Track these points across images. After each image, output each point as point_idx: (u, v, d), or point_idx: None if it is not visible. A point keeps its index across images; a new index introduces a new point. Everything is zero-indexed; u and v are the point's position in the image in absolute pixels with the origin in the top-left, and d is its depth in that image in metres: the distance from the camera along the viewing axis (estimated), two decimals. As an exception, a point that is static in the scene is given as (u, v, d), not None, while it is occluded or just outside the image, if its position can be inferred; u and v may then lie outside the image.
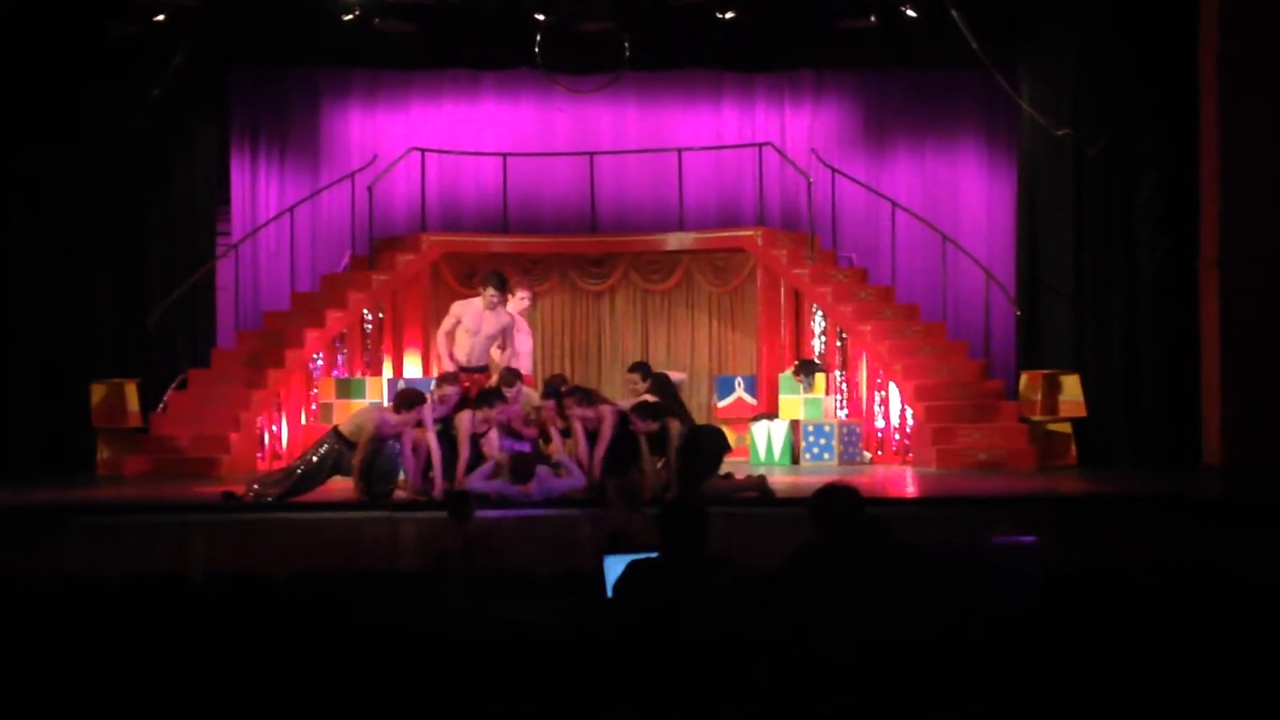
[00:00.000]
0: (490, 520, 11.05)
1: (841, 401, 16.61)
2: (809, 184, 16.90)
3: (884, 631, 5.01)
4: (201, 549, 10.73)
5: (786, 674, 4.78)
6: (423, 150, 17.49)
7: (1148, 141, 15.48)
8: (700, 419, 14.67)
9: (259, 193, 17.82)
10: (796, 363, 16.48)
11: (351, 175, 17.21)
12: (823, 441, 15.74)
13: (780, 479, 13.42)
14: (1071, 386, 15.39)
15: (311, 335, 16.17)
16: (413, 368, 16.86)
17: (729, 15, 16.04)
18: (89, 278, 16.08)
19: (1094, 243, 15.82)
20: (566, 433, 12.46)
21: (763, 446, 15.92)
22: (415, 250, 16.90)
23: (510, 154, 17.76)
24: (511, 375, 12.91)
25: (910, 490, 13.38)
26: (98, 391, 15.41)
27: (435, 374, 14.78)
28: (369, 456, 12.13)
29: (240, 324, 16.96)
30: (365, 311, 16.77)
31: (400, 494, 12.33)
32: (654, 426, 12.21)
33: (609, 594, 5.58)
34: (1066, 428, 15.39)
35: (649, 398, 12.77)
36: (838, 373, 16.71)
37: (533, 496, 11.95)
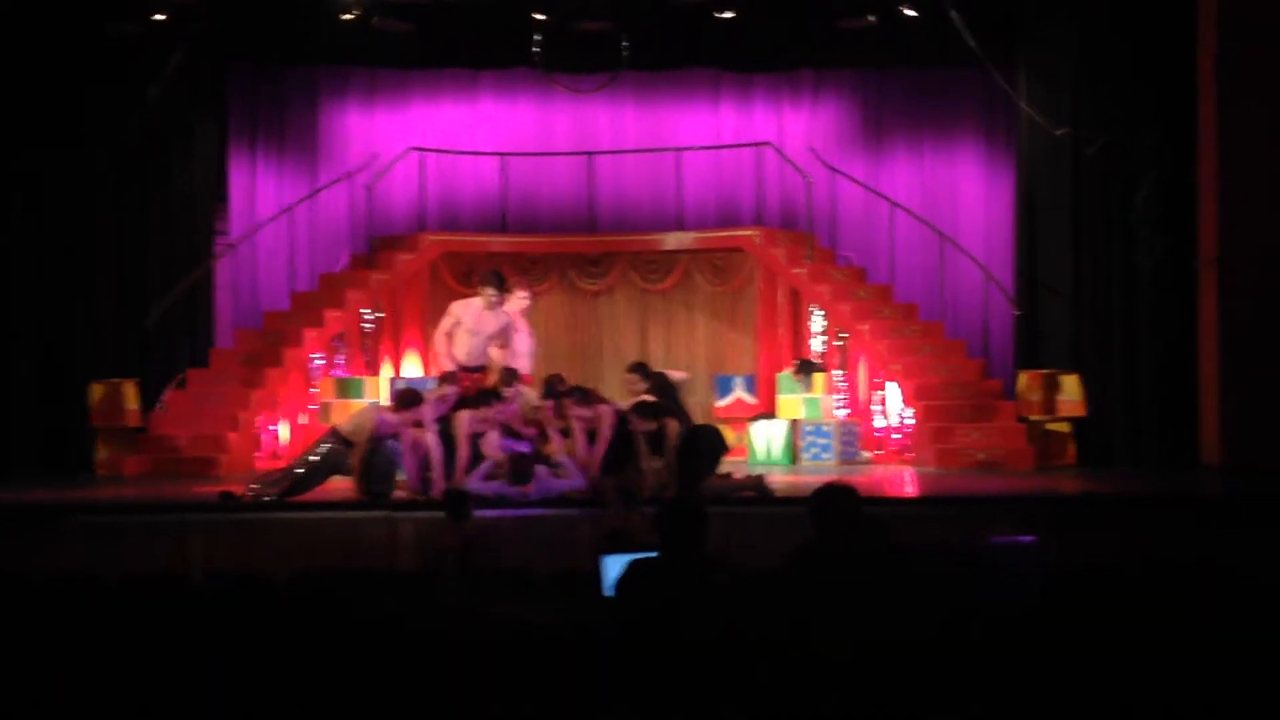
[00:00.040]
0: (489, 520, 11.05)
1: (840, 401, 16.61)
2: (808, 184, 16.90)
3: (883, 631, 5.01)
4: (200, 549, 10.74)
5: (785, 673, 4.78)
6: (421, 150, 17.48)
7: (1146, 141, 15.47)
8: (699, 418, 14.67)
9: (258, 192, 17.81)
10: (795, 362, 16.48)
11: (350, 175, 17.22)
12: (821, 441, 15.74)
13: (779, 478, 13.41)
14: (1070, 386, 15.39)
15: (310, 335, 16.17)
16: (411, 367, 16.86)
17: (728, 15, 16.03)
18: (89, 278, 16.07)
19: (1093, 242, 15.82)
20: (565, 432, 12.46)
21: (761, 446, 15.93)
22: (414, 250, 16.90)
23: (509, 154, 17.76)
24: (510, 375, 12.91)
25: (909, 490, 13.38)
26: (97, 391, 15.40)
27: (434, 374, 14.77)
28: (368, 456, 12.12)
29: (239, 323, 16.96)
30: (364, 311, 16.77)
31: (399, 494, 12.32)
32: (652, 426, 12.21)
33: (607, 593, 5.59)
34: (1065, 427, 15.38)
35: (647, 398, 12.77)
36: (836, 372, 16.70)
37: (531, 497, 11.95)
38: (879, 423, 16.45)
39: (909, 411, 15.92)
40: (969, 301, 17.00)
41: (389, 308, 17.00)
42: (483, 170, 17.91)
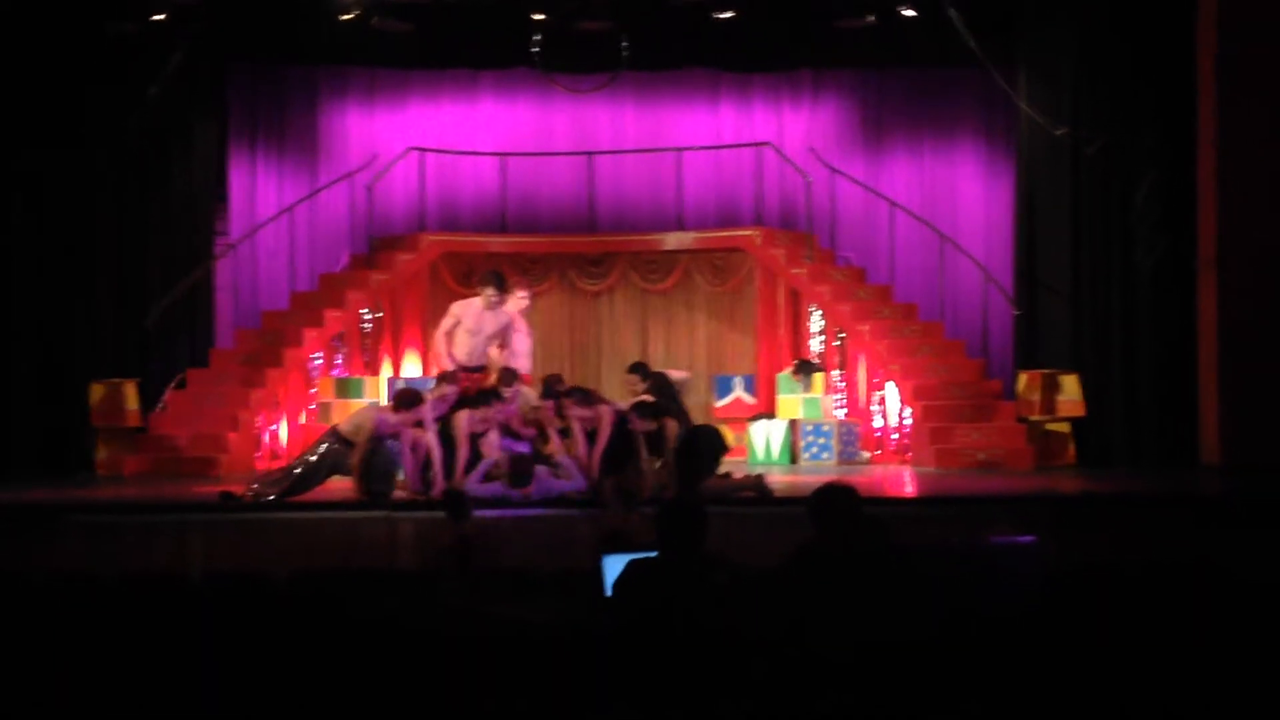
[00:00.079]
0: (488, 520, 11.05)
1: (840, 401, 16.61)
2: (807, 184, 16.90)
3: (883, 631, 5.01)
4: (200, 548, 10.73)
5: (785, 673, 4.79)
6: (421, 150, 17.49)
7: (1146, 141, 15.48)
8: (699, 418, 14.66)
9: (258, 192, 17.81)
10: (795, 362, 16.48)
11: (350, 175, 17.22)
12: (821, 441, 15.75)
13: (778, 478, 13.40)
14: (1070, 386, 15.39)
15: (310, 335, 16.17)
16: (411, 367, 16.86)
17: (727, 15, 16.03)
18: (89, 278, 16.07)
19: (1092, 242, 15.82)
20: (565, 433, 12.46)
21: (761, 446, 15.93)
22: (414, 250, 16.90)
23: (509, 154, 17.76)
24: (509, 375, 12.91)
25: (909, 490, 13.38)
26: (97, 391, 15.41)
27: (434, 373, 14.77)
28: (367, 456, 12.11)
29: (239, 323, 16.97)
30: (364, 311, 16.77)
31: (399, 493, 12.32)
32: (651, 426, 12.20)
33: (608, 593, 5.59)
34: (1065, 427, 15.38)
35: (647, 398, 12.77)
36: (836, 372, 16.71)
37: (531, 498, 11.95)
38: (878, 423, 16.45)
39: (908, 411, 15.92)
40: (969, 301, 17.00)
41: (389, 308, 17.00)
42: (482, 170, 17.91)
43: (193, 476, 14.35)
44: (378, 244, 17.03)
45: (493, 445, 12.33)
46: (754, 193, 17.42)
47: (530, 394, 13.17)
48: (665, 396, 12.97)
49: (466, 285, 16.53)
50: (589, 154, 17.65)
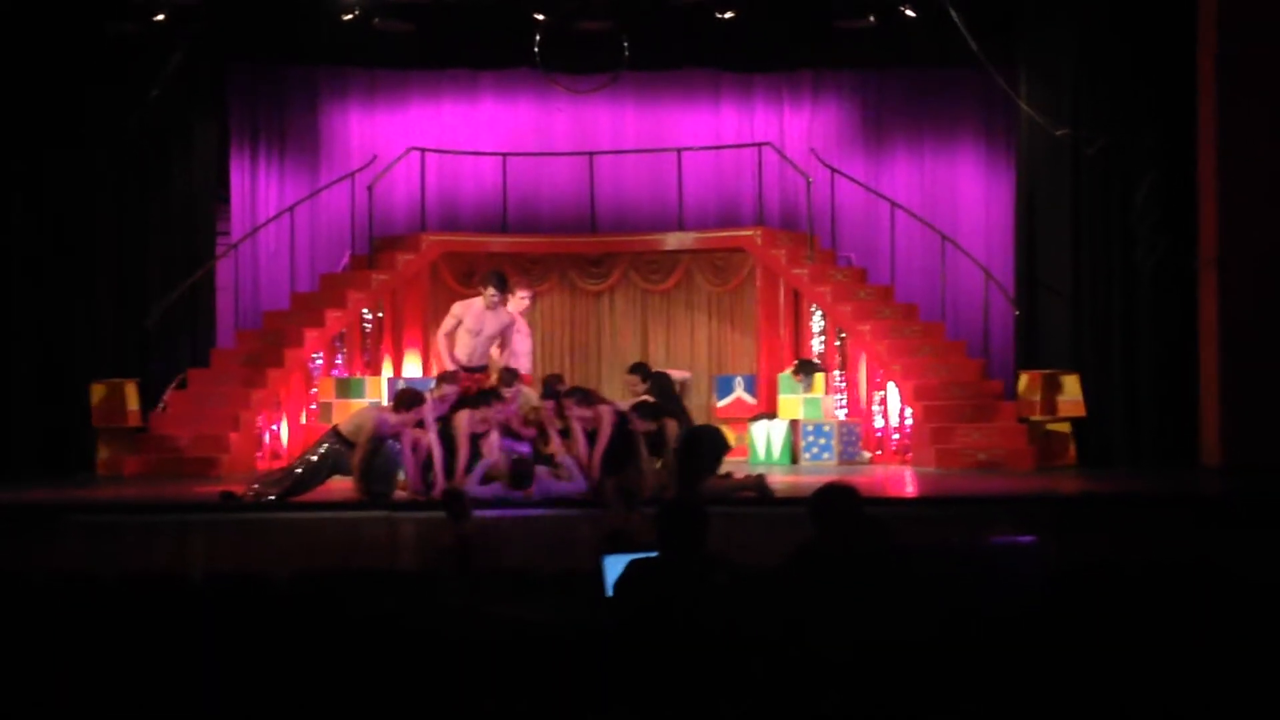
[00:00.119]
0: (488, 520, 11.05)
1: (840, 401, 16.61)
2: (808, 184, 16.90)
3: (883, 631, 5.01)
4: (201, 548, 10.73)
5: (785, 673, 4.78)
6: (422, 150, 17.49)
7: (1146, 141, 15.47)
8: (699, 419, 14.67)
9: (258, 192, 17.83)
10: (796, 362, 16.48)
11: (351, 175, 17.22)
12: (822, 441, 15.75)
13: (779, 479, 13.41)
14: (1070, 386, 15.39)
15: (311, 335, 16.17)
16: (412, 367, 16.86)
17: (728, 15, 16.02)
18: (89, 278, 16.07)
19: (1092, 242, 15.82)
20: (565, 433, 12.46)
21: (762, 446, 15.93)
22: (414, 250, 16.90)
23: (509, 154, 17.77)
24: (510, 375, 12.91)
25: (909, 490, 13.38)
26: (97, 391, 15.41)
27: (434, 373, 14.77)
28: (368, 456, 12.12)
29: (240, 323, 16.97)
30: (365, 311, 16.77)
31: (400, 494, 12.32)
32: (651, 426, 12.20)
33: (608, 593, 5.59)
34: (1065, 427, 15.38)
35: (648, 398, 12.78)
36: (837, 372, 16.71)
37: (532, 499, 11.95)
38: (879, 423, 16.45)
39: (909, 411, 15.92)
40: (969, 302, 17.00)
41: (389, 308, 17.00)
42: (483, 170, 17.92)
43: (193, 476, 14.35)
44: (378, 244, 17.03)
45: (493, 446, 12.33)
46: (755, 193, 17.42)
47: (531, 394, 13.18)
48: (666, 397, 12.98)
49: (467, 285, 16.53)
50: (590, 154, 17.66)
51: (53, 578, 6.16)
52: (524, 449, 12.54)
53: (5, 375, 15.68)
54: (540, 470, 12.16)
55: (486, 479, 12.12)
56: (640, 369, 13.51)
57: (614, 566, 5.58)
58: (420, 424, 12.20)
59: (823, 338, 16.93)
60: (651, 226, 17.61)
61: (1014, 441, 15.10)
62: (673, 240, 17.32)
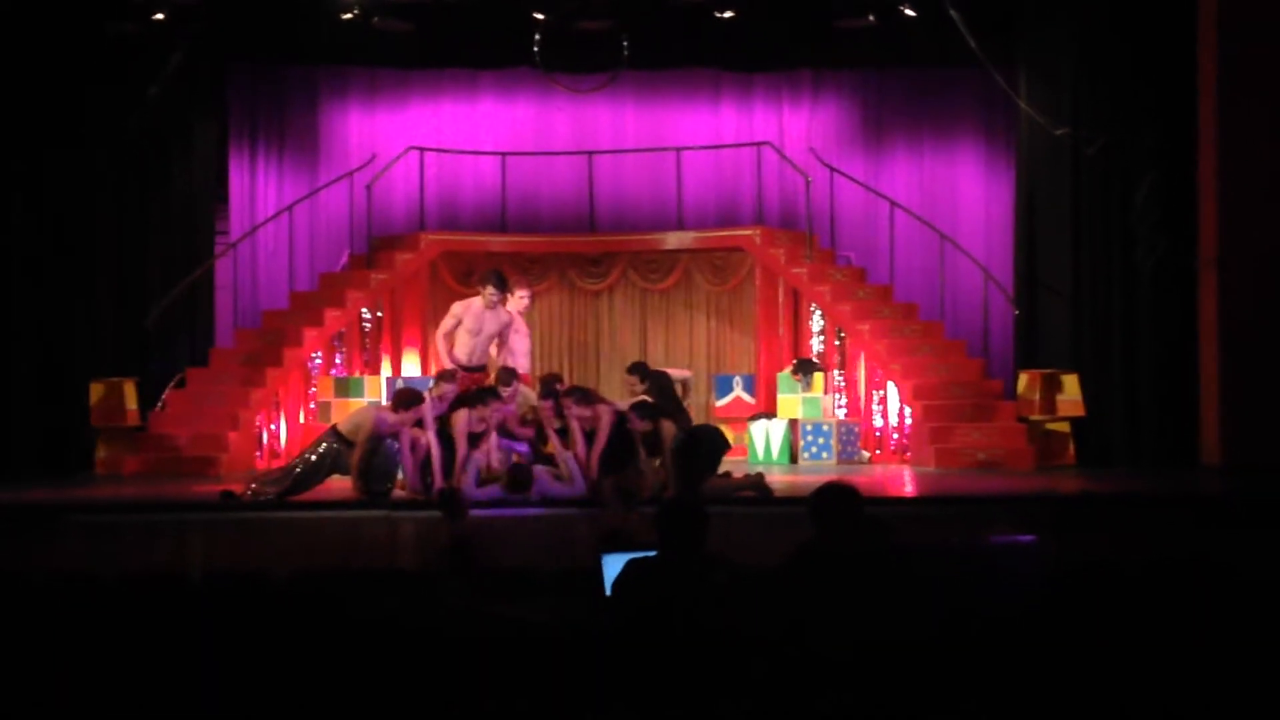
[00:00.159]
0: (486, 519, 11.05)
1: (840, 401, 16.61)
2: (807, 183, 16.90)
3: (883, 631, 5.01)
4: (200, 548, 10.73)
5: (785, 673, 4.78)
6: (421, 149, 17.49)
7: (1146, 141, 15.47)
8: (699, 418, 14.67)
9: (258, 192, 17.83)
10: (795, 362, 16.48)
11: (350, 174, 17.22)
12: (821, 441, 15.75)
13: (778, 478, 13.41)
14: (1070, 386, 15.39)
15: (310, 334, 16.17)
16: (411, 367, 16.86)
17: (728, 15, 16.03)
18: (89, 278, 16.07)
19: (1092, 242, 15.82)
20: (563, 432, 12.45)
21: (761, 445, 15.93)
22: (414, 249, 16.90)
23: (509, 153, 17.77)
24: (508, 375, 12.91)
25: (909, 490, 13.38)
26: (96, 390, 15.41)
27: (434, 373, 14.77)
28: (367, 455, 12.13)
29: (239, 323, 16.97)
30: (364, 310, 16.77)
31: (398, 493, 12.33)
32: (647, 426, 12.20)
33: (607, 593, 5.58)
34: (1065, 427, 15.39)
35: (646, 398, 12.77)
36: (836, 372, 16.71)
37: (530, 501, 11.94)
38: (878, 422, 16.45)
39: (908, 411, 15.92)
40: (969, 301, 17.00)
41: (388, 307, 17.00)
42: (483, 170, 17.92)
43: (192, 476, 14.36)
44: (377, 243, 17.03)
45: (491, 446, 12.33)
46: (754, 192, 17.42)
47: (529, 394, 13.17)
48: (665, 397, 12.97)
49: (466, 285, 16.53)
50: (589, 153, 17.66)
51: (52, 577, 6.15)
52: (522, 448, 12.54)
53: (5, 375, 15.68)
54: (540, 470, 12.15)
55: (484, 481, 12.12)
56: (639, 368, 13.50)
57: (613, 566, 5.58)
58: (419, 423, 12.20)
59: (822, 337, 16.93)
60: (651, 226, 17.61)
61: (1013, 441, 15.09)
62: (672, 240, 17.32)
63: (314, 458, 12.28)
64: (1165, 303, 15.39)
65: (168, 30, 15.59)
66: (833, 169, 17.19)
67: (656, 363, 15.57)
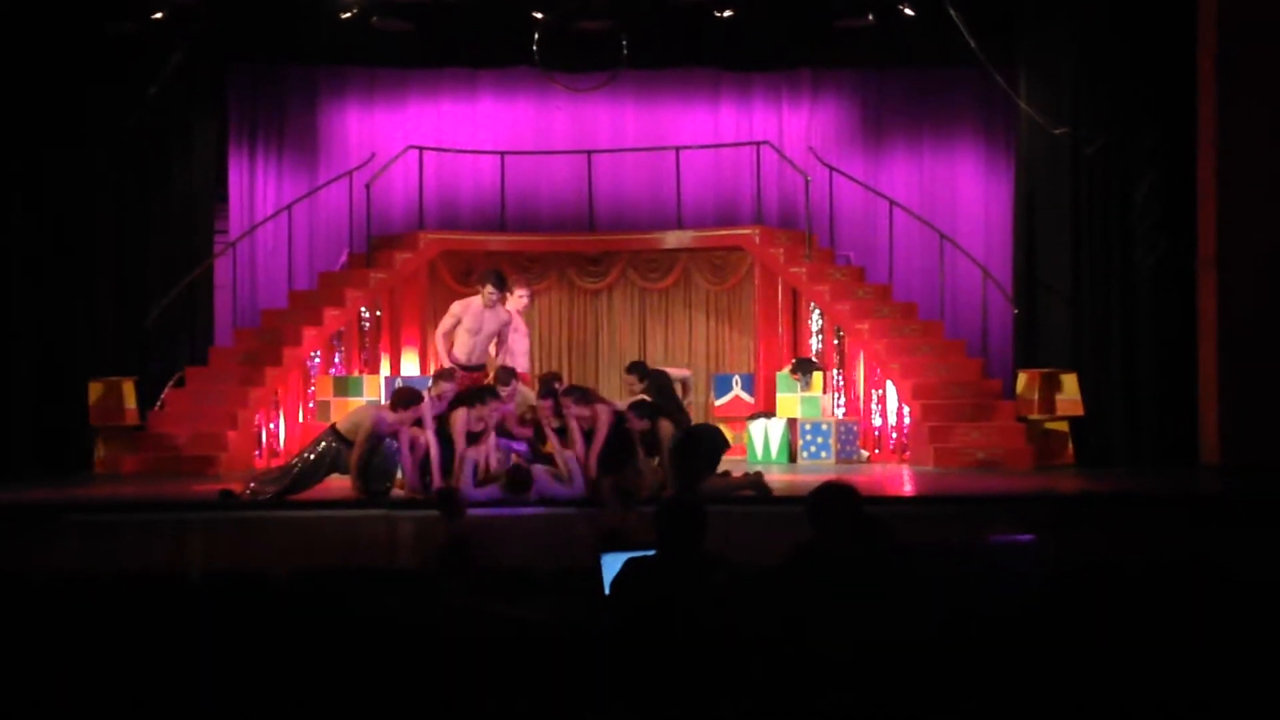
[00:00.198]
0: (484, 519, 11.05)
1: (839, 400, 16.62)
2: (807, 182, 16.90)
3: (882, 630, 5.01)
4: (199, 547, 10.73)
5: (784, 672, 4.78)
6: (420, 148, 17.49)
7: (1146, 140, 15.48)
8: (698, 417, 14.67)
9: (257, 191, 17.83)
10: (794, 361, 16.48)
11: (349, 173, 17.22)
12: (820, 440, 15.75)
13: (777, 477, 13.42)
14: (1069, 385, 15.39)
15: (309, 333, 16.17)
16: (410, 366, 16.86)
17: (727, 14, 16.03)
18: (89, 277, 16.07)
19: (1092, 241, 15.82)
20: (561, 432, 12.45)
21: (760, 445, 15.93)
22: (413, 248, 16.90)
23: (508, 152, 17.77)
24: (507, 374, 12.90)
25: (908, 489, 13.38)
26: (95, 390, 15.41)
27: (432, 372, 14.77)
28: (366, 454, 12.13)
29: (238, 322, 16.97)
30: (363, 309, 16.77)
31: (397, 492, 12.33)
32: (646, 425, 12.20)
33: (606, 592, 5.58)
34: (1064, 426, 15.39)
35: (644, 397, 12.78)
36: (835, 371, 16.71)
37: (529, 502, 11.94)
38: (877, 422, 16.46)
39: (907, 410, 15.92)
40: (968, 301, 17.00)
41: (387, 306, 17.00)
42: (482, 169, 17.92)
43: (192, 475, 14.36)
44: (377, 243, 17.03)
45: (489, 446, 12.32)
46: (753, 192, 17.42)
47: (528, 393, 13.18)
48: (664, 396, 12.98)
49: (465, 284, 16.53)
50: (588, 153, 17.66)
51: (51, 577, 6.15)
52: (520, 448, 12.54)
53: (5, 375, 15.68)
54: (539, 469, 12.15)
55: (483, 481, 12.12)
56: (638, 368, 13.51)
57: (611, 565, 5.58)
58: (418, 422, 12.20)
59: (821, 336, 16.93)
60: (650, 225, 17.61)
61: (1012, 440, 15.10)
62: (671, 239, 17.32)
63: (313, 457, 12.28)
64: (1165, 302, 15.40)
65: (168, 30, 15.60)
66: (832, 168, 17.20)
67: (656, 362, 15.58)
